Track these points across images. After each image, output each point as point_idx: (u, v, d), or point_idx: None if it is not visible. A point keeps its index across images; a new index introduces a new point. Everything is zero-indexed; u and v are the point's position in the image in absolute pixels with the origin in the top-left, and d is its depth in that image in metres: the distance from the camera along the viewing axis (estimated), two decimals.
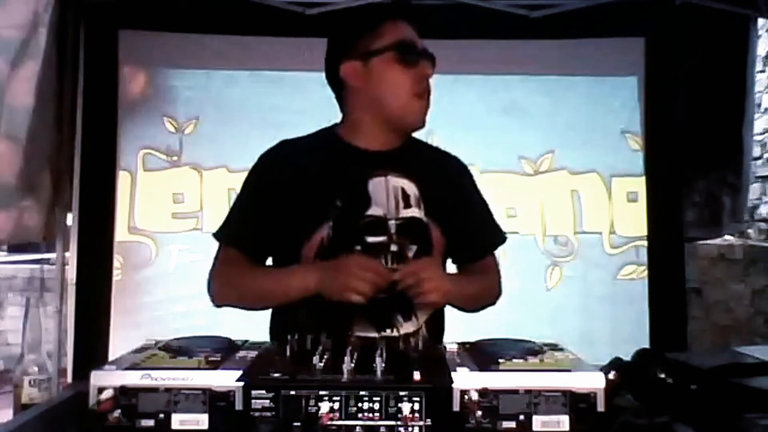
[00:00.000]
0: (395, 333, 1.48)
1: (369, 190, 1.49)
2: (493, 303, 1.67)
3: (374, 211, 1.49)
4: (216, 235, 1.60)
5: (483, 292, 1.64)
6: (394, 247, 1.48)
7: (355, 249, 1.48)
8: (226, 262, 1.56)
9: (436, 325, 1.59)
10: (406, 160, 1.54)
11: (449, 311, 1.63)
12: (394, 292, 1.42)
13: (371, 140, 1.55)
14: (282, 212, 1.51)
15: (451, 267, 1.69)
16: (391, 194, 1.50)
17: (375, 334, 1.47)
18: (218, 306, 1.58)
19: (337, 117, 1.67)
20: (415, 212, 1.51)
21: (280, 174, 1.54)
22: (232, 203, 1.65)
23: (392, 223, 1.49)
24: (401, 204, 1.50)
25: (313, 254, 1.50)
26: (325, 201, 1.49)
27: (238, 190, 1.64)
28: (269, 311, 1.63)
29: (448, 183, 1.60)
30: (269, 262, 1.61)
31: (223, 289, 1.56)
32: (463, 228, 1.60)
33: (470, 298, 1.59)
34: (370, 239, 1.48)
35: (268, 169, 1.58)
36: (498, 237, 1.70)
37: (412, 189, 1.51)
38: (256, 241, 1.56)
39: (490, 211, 1.70)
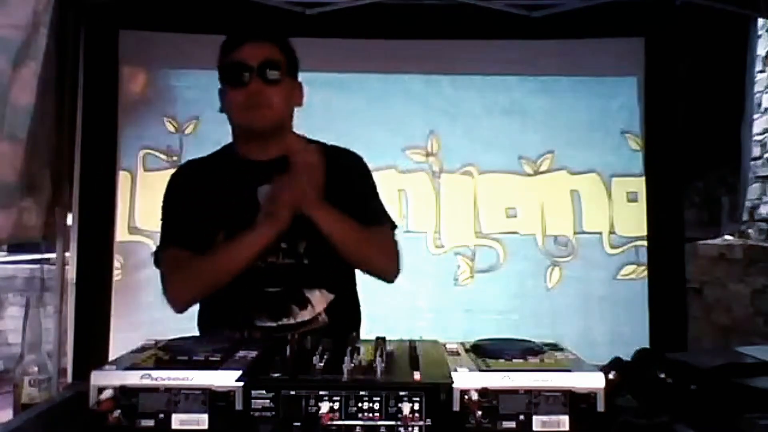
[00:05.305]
0: (292, 321, 1.64)
1: (258, 197, 1.64)
2: (386, 272, 1.73)
3: None
4: (155, 255, 1.73)
5: (370, 242, 1.68)
6: (284, 245, 1.63)
7: None
8: (174, 263, 1.67)
9: (340, 312, 1.70)
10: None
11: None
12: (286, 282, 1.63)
13: (260, 152, 1.70)
14: (186, 225, 1.68)
15: None
16: None
17: (273, 324, 1.63)
18: (180, 312, 1.67)
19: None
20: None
21: (185, 191, 1.73)
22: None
23: None
24: None
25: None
26: (221, 211, 1.66)
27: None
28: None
29: (334, 176, 1.65)
30: None
31: (182, 288, 1.65)
32: (352, 212, 1.67)
33: (353, 235, 1.63)
34: None
35: (174, 188, 1.77)
36: (388, 217, 1.79)
37: None
38: (189, 235, 1.67)
39: (379, 200, 1.80)
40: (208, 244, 1.64)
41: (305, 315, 1.66)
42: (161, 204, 1.77)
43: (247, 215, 1.62)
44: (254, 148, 1.72)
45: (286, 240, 1.63)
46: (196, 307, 1.74)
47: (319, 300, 1.67)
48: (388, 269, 1.74)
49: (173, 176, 1.81)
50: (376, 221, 1.74)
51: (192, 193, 1.71)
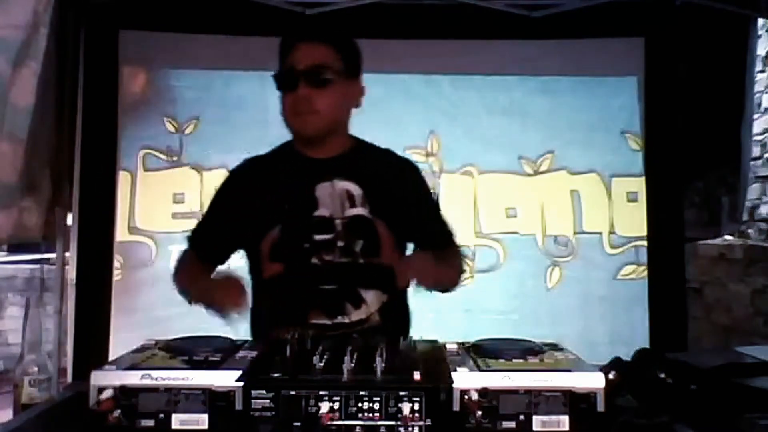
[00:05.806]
0: (346, 320, 1.65)
1: (316, 194, 1.67)
2: (452, 288, 1.83)
3: (321, 212, 1.66)
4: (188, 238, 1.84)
5: (448, 274, 1.79)
6: (340, 243, 1.66)
7: (304, 246, 1.65)
8: (183, 259, 1.84)
9: (391, 314, 1.71)
10: (351, 165, 1.72)
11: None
12: (342, 280, 1.65)
13: (318, 151, 1.72)
14: (240, 219, 1.71)
15: None
16: (336, 196, 1.68)
17: (328, 322, 1.64)
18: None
19: None
20: (360, 211, 1.68)
21: (242, 188, 1.76)
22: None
23: (338, 222, 1.67)
24: (347, 204, 1.68)
25: (267, 252, 1.67)
26: (277, 207, 1.68)
27: None
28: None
29: (392, 182, 1.75)
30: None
31: (180, 280, 1.79)
32: (414, 221, 1.75)
33: (438, 273, 1.69)
34: (318, 237, 1.66)
35: (232, 184, 1.81)
36: (452, 233, 1.86)
37: (356, 190, 1.68)
38: (208, 247, 1.79)
39: (438, 207, 1.87)
40: (254, 249, 1.69)
41: (360, 314, 1.67)
42: (215, 192, 1.81)
43: (303, 212, 1.66)
44: (310, 148, 1.74)
45: (343, 238, 1.65)
46: None
47: (373, 300, 1.68)
48: (454, 286, 1.83)
49: (233, 173, 1.84)
50: (451, 242, 1.84)
51: (250, 191, 1.73)
